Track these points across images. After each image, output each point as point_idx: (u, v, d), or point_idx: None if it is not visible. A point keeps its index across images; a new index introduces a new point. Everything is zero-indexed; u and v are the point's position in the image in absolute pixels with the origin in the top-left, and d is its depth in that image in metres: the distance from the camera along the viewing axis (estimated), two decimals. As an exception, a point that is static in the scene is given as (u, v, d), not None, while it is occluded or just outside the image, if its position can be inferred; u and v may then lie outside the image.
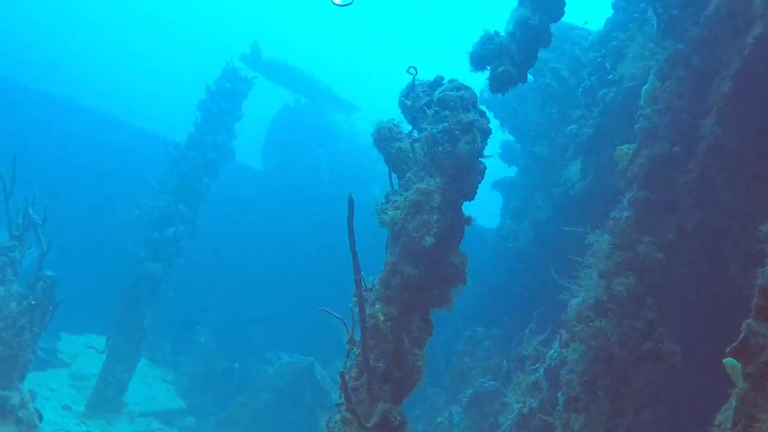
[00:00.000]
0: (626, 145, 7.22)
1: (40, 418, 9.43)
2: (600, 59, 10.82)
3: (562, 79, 12.40)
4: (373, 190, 18.96)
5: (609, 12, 11.36)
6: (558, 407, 7.12)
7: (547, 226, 12.35)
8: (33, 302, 9.46)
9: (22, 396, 9.24)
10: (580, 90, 11.13)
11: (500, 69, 5.37)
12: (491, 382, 11.91)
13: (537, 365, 9.31)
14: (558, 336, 8.76)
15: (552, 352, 8.88)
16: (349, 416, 4.57)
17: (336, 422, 4.75)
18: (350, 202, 4.18)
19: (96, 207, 16.67)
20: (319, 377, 14.56)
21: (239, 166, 16.70)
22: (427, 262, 4.97)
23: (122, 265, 14.09)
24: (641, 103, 7.18)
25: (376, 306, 4.92)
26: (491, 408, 11.61)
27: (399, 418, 4.67)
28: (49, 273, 9.90)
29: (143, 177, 14.50)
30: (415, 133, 5.43)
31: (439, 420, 12.12)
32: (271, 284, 18.12)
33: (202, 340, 16.84)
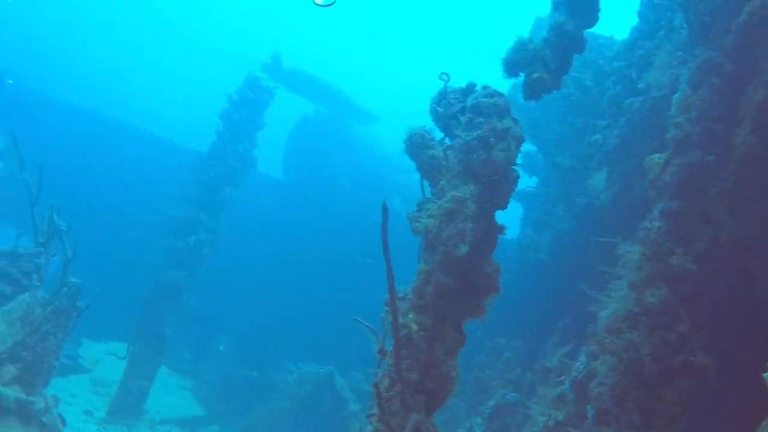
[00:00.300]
0: (657, 154, 7.12)
1: (64, 423, 9.44)
2: (625, 68, 10.74)
3: (586, 88, 12.31)
4: (392, 200, 18.90)
5: (632, 21, 11.25)
6: (587, 420, 7.00)
7: (569, 237, 12.23)
8: (74, 307, 9.52)
9: (46, 401, 9.26)
10: (605, 99, 11.04)
11: (534, 75, 5.31)
12: (513, 394, 11.80)
13: (562, 377, 9.19)
14: (585, 348, 8.64)
15: (578, 364, 8.75)
16: (381, 427, 4.51)
17: (368, 434, 4.69)
18: (384, 209, 4.12)
19: (117, 215, 16.75)
20: (338, 387, 14.50)
21: (260, 176, 16.71)
22: (461, 271, 4.90)
23: (144, 272, 14.13)
24: (672, 111, 7.08)
25: (410, 315, 4.85)
26: (513, 420, 11.50)
27: (432, 429, 4.60)
28: (74, 280, 9.93)
29: (165, 186, 14.56)
30: (447, 141, 5.37)
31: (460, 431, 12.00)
32: (289, 293, 18.10)
33: (222, 348, 16.85)
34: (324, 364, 14.97)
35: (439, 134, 5.43)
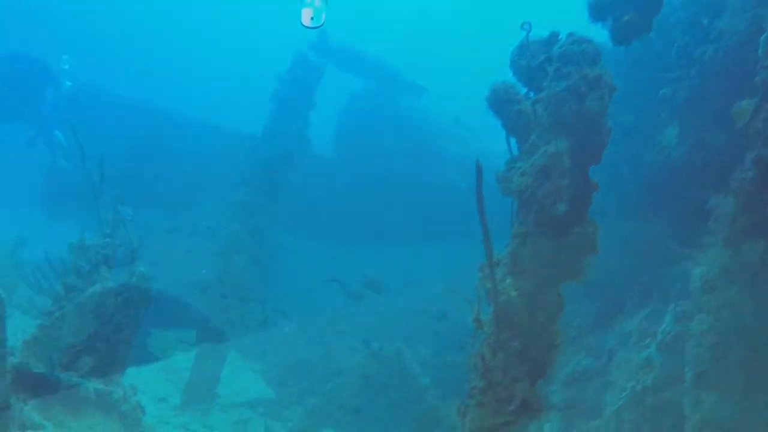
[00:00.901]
0: (746, 100, 6.70)
1: (143, 411, 9.48)
2: (694, 16, 10.24)
3: (649, 41, 11.76)
4: (447, 173, 18.64)
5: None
6: (684, 384, 6.69)
7: (637, 197, 11.81)
8: (144, 296, 9.56)
9: (124, 390, 9.30)
10: (673, 51, 10.56)
11: (626, 18, 4.95)
12: (588, 360, 11.51)
13: (647, 341, 8.86)
14: (670, 309, 8.29)
15: (664, 326, 8.42)
16: (486, 400, 4.30)
17: (471, 407, 4.47)
18: (478, 168, 3.88)
19: (177, 203, 16.82)
20: (407, 361, 14.38)
21: (314, 155, 16.57)
22: (559, 231, 4.63)
23: (207, 258, 14.18)
24: (760, 53, 6.64)
25: (507, 281, 4.61)
26: (591, 386, 11.22)
27: (538, 399, 4.37)
28: (142, 269, 9.94)
29: (222, 172, 14.55)
30: (532, 95, 5.08)
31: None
32: (348, 272, 18.01)
33: (287, 330, 16.87)
34: (390, 340, 14.86)
35: (521, 89, 5.14)
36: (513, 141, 5.01)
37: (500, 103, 4.93)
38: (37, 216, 17.77)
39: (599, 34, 5.88)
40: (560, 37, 5.00)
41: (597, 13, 5.14)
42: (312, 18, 6.35)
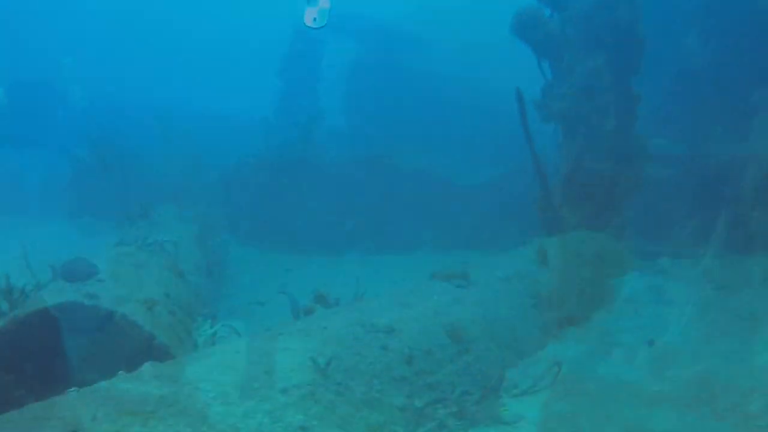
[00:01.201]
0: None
1: (207, 406, 9.49)
2: None
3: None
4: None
5: None
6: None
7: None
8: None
9: (185, 386, 9.31)
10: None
11: None
12: (642, 280, 11.39)
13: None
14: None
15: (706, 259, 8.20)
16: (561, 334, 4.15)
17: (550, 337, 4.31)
18: (519, 95, 3.71)
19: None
20: (453, 329, 14.26)
21: (328, 126, 16.31)
22: (610, 150, 4.44)
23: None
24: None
25: (563, 209, 4.44)
26: (646, 312, 11.10)
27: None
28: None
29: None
30: (556, 16, 4.84)
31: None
32: (377, 246, 17.80)
33: (324, 309, 16.78)
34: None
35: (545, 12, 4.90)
36: (545, 65, 4.79)
37: (527, 28, 4.72)
38: (64, 226, 17.72)
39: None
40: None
41: None
42: (315, 19, 6.24)
